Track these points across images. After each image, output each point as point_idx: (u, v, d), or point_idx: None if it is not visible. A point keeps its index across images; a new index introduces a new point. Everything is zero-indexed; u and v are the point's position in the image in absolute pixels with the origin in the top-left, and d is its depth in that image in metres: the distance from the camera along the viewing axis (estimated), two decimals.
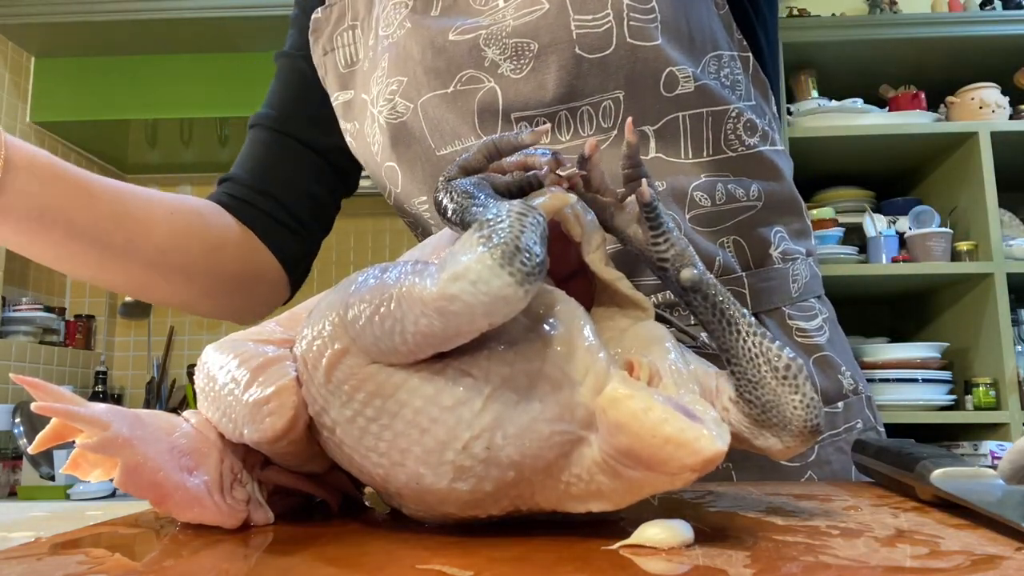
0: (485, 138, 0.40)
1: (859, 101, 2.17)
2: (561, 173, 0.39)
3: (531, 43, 0.56)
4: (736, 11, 0.61)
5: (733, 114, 0.59)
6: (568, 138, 0.57)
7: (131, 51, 2.29)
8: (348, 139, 0.71)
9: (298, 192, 0.74)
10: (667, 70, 0.57)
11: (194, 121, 2.34)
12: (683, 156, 0.58)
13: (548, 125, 0.40)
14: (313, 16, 0.73)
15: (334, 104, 0.72)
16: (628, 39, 0.55)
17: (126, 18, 2.14)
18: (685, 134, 0.58)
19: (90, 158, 2.56)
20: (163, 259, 0.64)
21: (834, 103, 2.17)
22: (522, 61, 0.57)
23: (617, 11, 0.55)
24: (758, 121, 0.61)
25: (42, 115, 2.31)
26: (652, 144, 0.58)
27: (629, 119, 0.40)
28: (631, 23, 0.55)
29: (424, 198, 0.65)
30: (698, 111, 0.58)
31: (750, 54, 0.62)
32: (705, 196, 0.59)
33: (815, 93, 2.26)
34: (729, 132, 0.59)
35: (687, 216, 0.58)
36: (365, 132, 0.67)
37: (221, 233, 0.69)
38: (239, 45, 2.25)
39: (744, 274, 0.60)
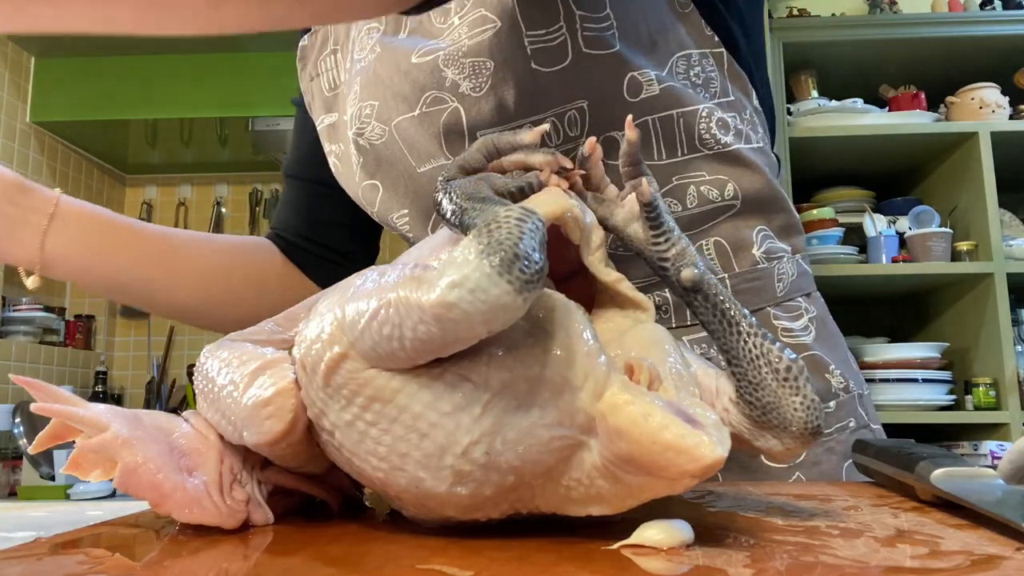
0: (484, 136, 0.40)
1: (859, 101, 2.17)
2: (560, 172, 0.39)
3: (487, 61, 0.56)
4: (704, 8, 0.60)
5: (704, 113, 0.59)
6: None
7: (131, 51, 2.29)
8: (332, 161, 0.72)
9: (338, 231, 0.80)
10: (628, 75, 0.56)
11: (194, 121, 2.34)
12: (657, 158, 0.58)
13: (547, 125, 0.40)
14: (300, 44, 0.75)
15: (319, 128, 0.73)
16: (584, 49, 0.55)
17: None
18: (656, 137, 0.58)
19: (90, 158, 2.56)
20: (207, 292, 0.73)
21: (834, 103, 2.17)
22: (480, 79, 0.57)
23: (570, 23, 0.55)
24: (731, 120, 0.60)
25: (42, 115, 2.31)
26: (623, 150, 0.58)
27: (629, 116, 0.40)
28: (585, 33, 0.55)
29: (404, 211, 0.66)
30: (667, 113, 0.58)
31: (723, 50, 0.61)
32: (675, 201, 0.58)
33: (815, 93, 2.26)
34: (703, 131, 0.59)
35: None
36: (349, 152, 0.68)
37: (264, 267, 0.77)
38: (239, 45, 2.25)
39: (726, 275, 0.59)
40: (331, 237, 0.80)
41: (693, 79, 0.59)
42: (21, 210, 0.65)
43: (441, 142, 0.59)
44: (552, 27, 0.55)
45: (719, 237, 0.60)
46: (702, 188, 0.59)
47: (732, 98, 0.61)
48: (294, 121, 0.83)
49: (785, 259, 0.62)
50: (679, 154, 0.58)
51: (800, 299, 0.62)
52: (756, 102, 0.64)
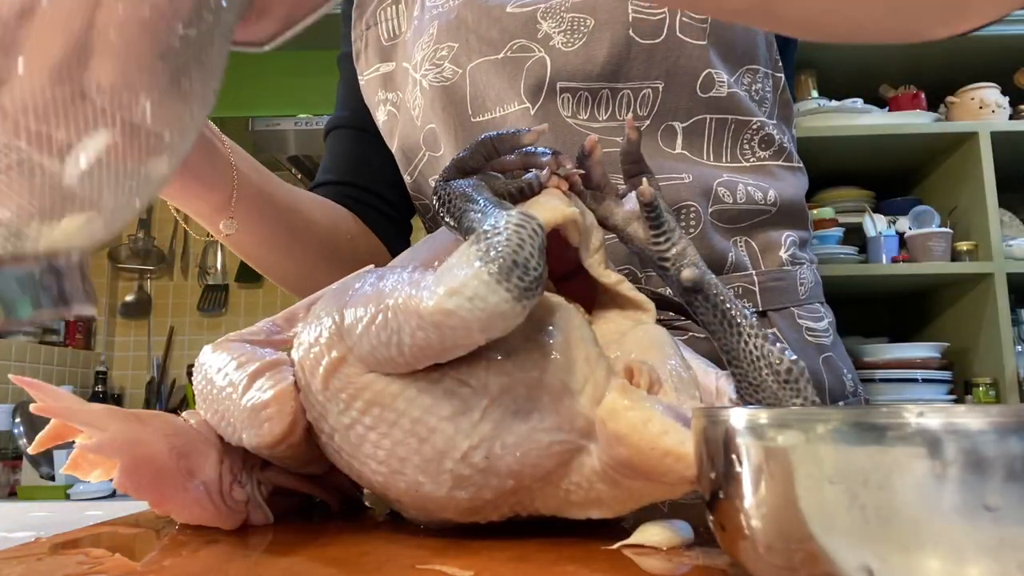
0: (483, 136, 0.40)
1: (859, 101, 2.16)
2: (561, 172, 0.39)
3: (588, 19, 0.59)
4: (778, 35, 0.64)
5: (754, 126, 0.62)
6: (605, 118, 0.59)
7: None
8: (381, 112, 0.72)
9: (388, 181, 0.77)
10: (706, 71, 0.59)
11: None
12: (704, 158, 0.61)
13: (545, 125, 0.40)
14: None
15: (369, 78, 0.73)
16: (677, 33, 0.58)
17: None
18: (708, 137, 0.61)
19: None
20: (322, 248, 0.69)
21: (834, 103, 2.17)
22: (576, 35, 0.59)
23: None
24: (776, 136, 0.63)
25: None
26: (679, 140, 0.60)
27: (629, 115, 0.40)
28: (683, 18, 0.58)
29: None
30: (724, 117, 0.60)
31: (783, 75, 0.65)
32: (728, 193, 0.60)
33: (815, 93, 2.26)
34: (744, 143, 0.62)
35: (710, 210, 0.60)
36: (406, 99, 0.69)
37: (353, 224, 0.74)
38: None
39: (754, 272, 0.61)
40: (382, 187, 0.76)
41: (753, 94, 0.63)
42: (210, 130, 0.56)
43: (520, 88, 0.61)
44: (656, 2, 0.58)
45: (750, 237, 0.62)
46: (749, 188, 0.61)
47: (776, 121, 0.65)
48: (340, 77, 0.81)
49: (805, 266, 0.65)
50: (723, 160, 0.61)
51: (817, 304, 0.65)
52: (794, 130, 0.68)
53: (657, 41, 0.58)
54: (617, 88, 0.59)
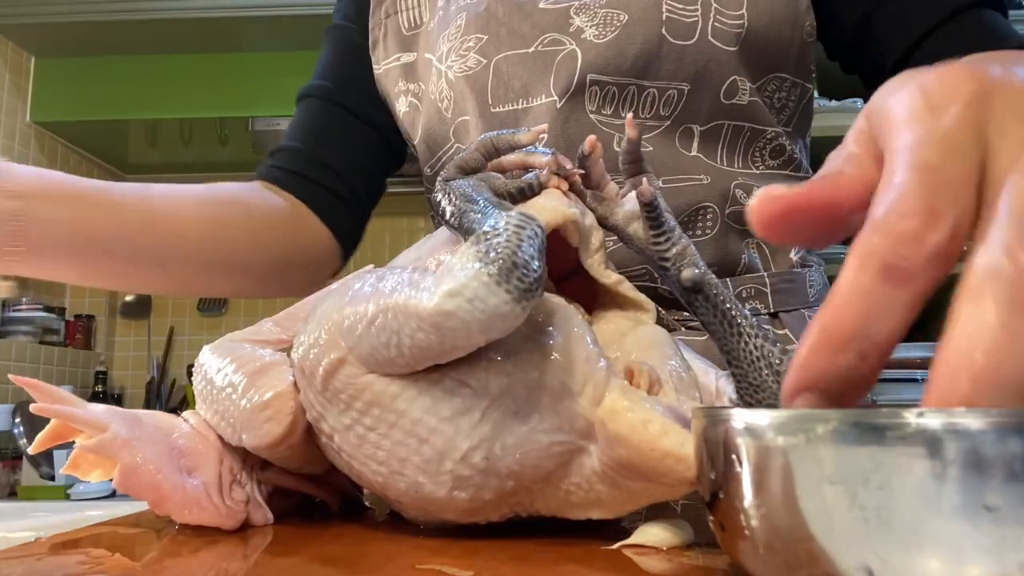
0: (482, 136, 0.40)
1: (859, 101, 2.16)
2: (561, 172, 0.39)
3: (621, 14, 0.59)
4: (826, 43, 0.64)
5: (768, 136, 0.62)
6: (628, 115, 0.59)
7: (131, 51, 2.29)
8: (401, 103, 0.71)
9: (353, 165, 0.73)
10: (731, 78, 0.59)
11: (194, 121, 2.34)
12: (717, 162, 0.61)
13: (544, 126, 0.40)
14: None
15: (388, 67, 0.72)
16: (709, 37, 0.58)
17: (126, 18, 2.13)
18: (723, 143, 0.61)
19: (90, 158, 2.56)
20: (202, 256, 0.63)
21: (834, 103, 2.17)
22: (608, 29, 0.59)
23: (705, 8, 0.58)
24: (788, 146, 0.63)
25: (42, 115, 2.30)
26: (696, 143, 0.60)
27: (629, 115, 0.40)
28: (715, 23, 0.58)
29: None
30: (741, 124, 0.60)
31: (812, 87, 0.64)
32: (744, 195, 0.61)
33: (815, 93, 2.26)
34: (756, 152, 0.62)
35: (727, 211, 0.60)
36: (429, 91, 0.68)
37: (266, 215, 0.68)
38: (239, 45, 2.25)
39: (766, 274, 0.61)
40: (344, 169, 0.72)
41: (775, 102, 0.63)
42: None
43: (550, 81, 0.61)
44: (690, 6, 0.58)
45: (763, 240, 0.62)
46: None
47: (792, 129, 0.65)
48: (328, 47, 0.76)
49: (814, 268, 0.65)
50: (735, 166, 0.61)
51: None
52: (808, 139, 0.68)
53: (689, 43, 0.58)
54: (644, 86, 0.58)
